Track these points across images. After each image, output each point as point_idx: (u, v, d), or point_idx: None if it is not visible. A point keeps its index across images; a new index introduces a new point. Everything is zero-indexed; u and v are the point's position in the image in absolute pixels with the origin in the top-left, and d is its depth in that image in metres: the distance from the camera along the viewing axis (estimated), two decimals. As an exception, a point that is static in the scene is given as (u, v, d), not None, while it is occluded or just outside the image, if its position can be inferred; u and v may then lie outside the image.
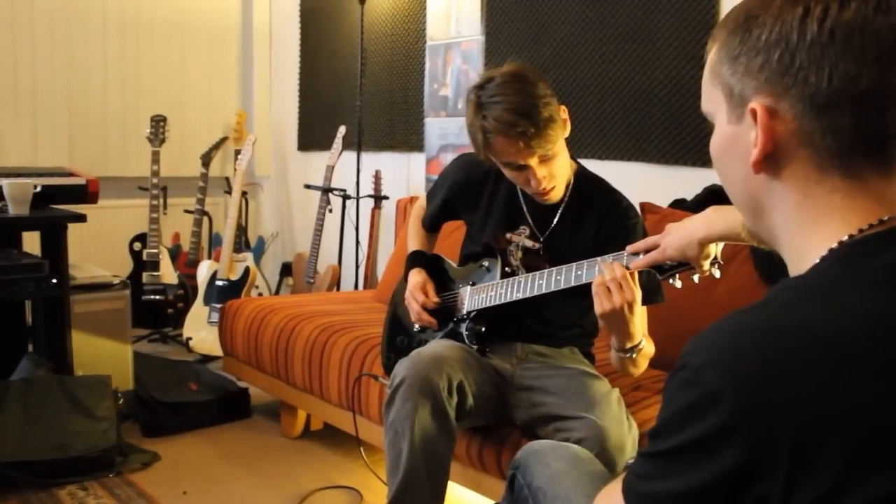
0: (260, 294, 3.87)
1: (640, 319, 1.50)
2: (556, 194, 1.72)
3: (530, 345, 1.83)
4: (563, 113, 1.64)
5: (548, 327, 1.83)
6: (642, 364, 1.62)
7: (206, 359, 3.53)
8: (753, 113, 0.70)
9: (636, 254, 1.43)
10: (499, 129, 1.58)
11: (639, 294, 1.45)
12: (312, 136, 4.32)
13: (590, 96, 2.81)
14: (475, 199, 1.88)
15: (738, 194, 0.76)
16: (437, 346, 1.74)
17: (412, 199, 3.24)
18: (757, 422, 0.59)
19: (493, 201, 1.85)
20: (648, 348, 1.60)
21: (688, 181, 2.48)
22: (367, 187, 3.79)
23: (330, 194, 3.79)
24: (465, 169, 1.91)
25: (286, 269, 4.26)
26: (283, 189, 4.59)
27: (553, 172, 1.65)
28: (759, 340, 0.62)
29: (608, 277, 1.44)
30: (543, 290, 1.62)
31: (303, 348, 2.55)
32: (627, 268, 1.44)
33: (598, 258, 1.50)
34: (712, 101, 0.75)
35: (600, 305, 1.45)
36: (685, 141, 2.53)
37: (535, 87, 1.58)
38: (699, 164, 2.48)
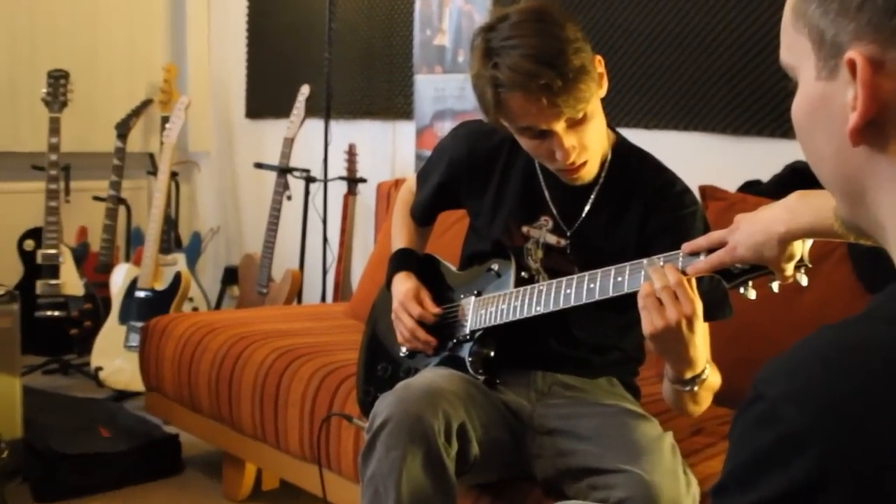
0: (195, 308, 3.87)
1: (702, 340, 1.51)
2: (589, 172, 1.72)
3: (555, 374, 1.83)
4: (599, 65, 1.65)
5: (578, 351, 1.84)
6: (705, 399, 1.62)
7: (123, 395, 3.53)
8: (851, 65, 0.70)
9: (695, 254, 1.44)
10: (515, 81, 1.58)
11: (700, 306, 1.45)
12: (265, 100, 4.32)
13: (632, 46, 2.81)
14: (482, 182, 1.89)
15: (830, 174, 0.76)
16: (432, 376, 1.75)
17: (398, 183, 3.24)
18: (856, 470, 0.59)
19: (505, 184, 1.86)
20: (713, 378, 1.60)
21: (763, 157, 2.49)
22: (338, 167, 3.80)
23: (289, 176, 3.79)
24: (468, 142, 1.91)
25: (230, 276, 4.26)
26: (226, 169, 4.59)
27: (585, 142, 1.66)
28: (857, 363, 0.62)
29: (659, 286, 1.45)
30: (572, 303, 1.63)
31: (252, 381, 2.56)
32: (684, 272, 1.45)
33: (645, 260, 1.51)
34: (795, 50, 0.76)
35: (650, 323, 1.45)
36: (759, 104, 2.53)
37: (563, 28, 1.59)
38: (778, 135, 2.49)
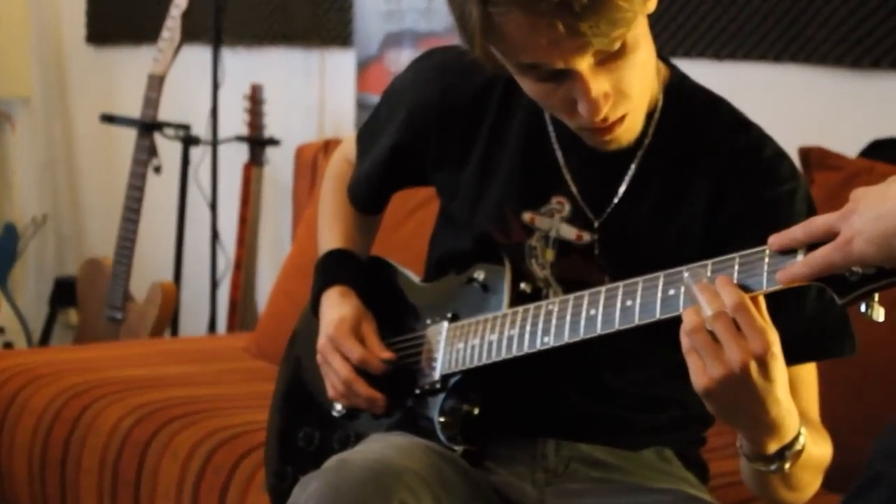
0: (8, 345, 3.84)
1: (784, 390, 1.51)
2: (630, 131, 1.72)
3: (575, 444, 1.84)
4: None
5: (611, 408, 1.84)
6: (807, 482, 1.63)
7: None
8: None
9: (790, 251, 1.45)
10: None
11: (776, 338, 1.46)
12: (118, 17, 4.29)
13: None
14: (460, 144, 1.90)
15: None
16: (382, 447, 1.75)
17: (328, 146, 3.24)
18: None
19: (496, 147, 1.87)
20: (817, 449, 1.61)
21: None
22: (234, 121, 3.80)
23: (157, 135, 3.78)
24: (439, 80, 1.92)
25: (64, 293, 4.25)
26: (56, 126, 4.56)
27: (623, 86, 1.65)
28: None
29: (710, 312, 1.45)
30: (599, 331, 1.63)
31: (99, 459, 2.55)
32: (747, 289, 1.45)
33: (685, 270, 1.52)
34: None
35: (703, 373, 1.45)
36: (892, 23, 2.56)
37: None
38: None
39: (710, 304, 1.45)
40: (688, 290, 1.49)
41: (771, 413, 1.49)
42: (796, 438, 1.55)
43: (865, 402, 2.04)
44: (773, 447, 1.54)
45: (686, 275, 1.51)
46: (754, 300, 1.45)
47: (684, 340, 1.46)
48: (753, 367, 1.43)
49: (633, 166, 1.78)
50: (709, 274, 1.50)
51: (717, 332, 1.44)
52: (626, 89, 1.66)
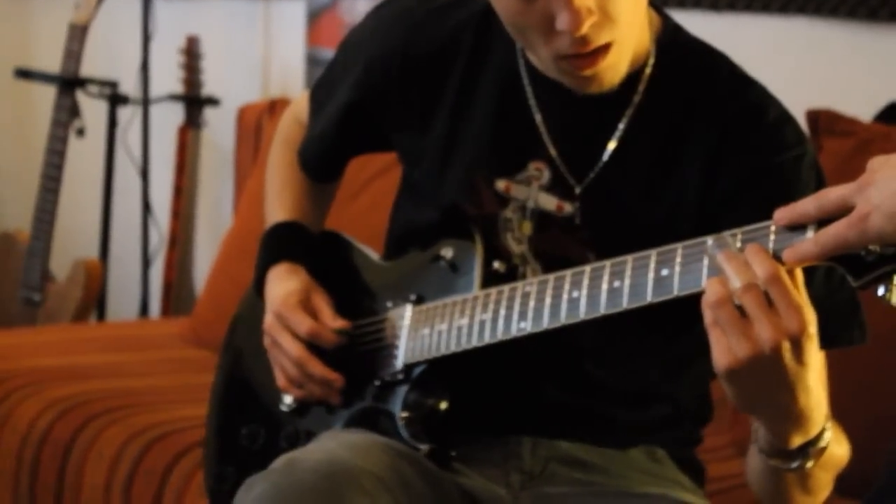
0: None
1: (818, 380, 1.51)
2: (614, 68, 1.72)
3: (555, 442, 1.85)
4: None
5: (595, 401, 1.85)
6: (823, 483, 1.64)
7: None
8: None
9: (799, 227, 1.45)
10: None
11: (813, 317, 1.45)
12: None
13: None
14: (424, 102, 1.90)
15: None
16: (336, 446, 1.74)
17: (275, 107, 3.23)
18: None
19: (466, 107, 1.87)
20: (838, 449, 1.61)
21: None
22: (168, 77, 3.79)
23: (79, 93, 3.75)
24: (400, 30, 1.92)
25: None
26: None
27: (609, 7, 1.63)
28: None
29: (739, 284, 1.44)
30: (582, 316, 1.63)
31: (15, 459, 2.55)
32: (779, 259, 1.46)
33: (710, 238, 1.51)
34: None
35: (727, 351, 1.44)
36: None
37: None
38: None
39: (738, 274, 1.43)
40: (711, 259, 1.47)
41: (800, 402, 1.49)
42: (821, 434, 1.55)
43: (878, 397, 2.05)
44: (796, 441, 1.54)
45: (710, 241, 1.48)
46: (790, 273, 1.43)
47: (707, 313, 1.44)
48: (786, 347, 1.42)
49: (620, 126, 1.78)
50: (710, 246, 1.49)
51: (747, 307, 1.42)
52: (612, 12, 1.65)
